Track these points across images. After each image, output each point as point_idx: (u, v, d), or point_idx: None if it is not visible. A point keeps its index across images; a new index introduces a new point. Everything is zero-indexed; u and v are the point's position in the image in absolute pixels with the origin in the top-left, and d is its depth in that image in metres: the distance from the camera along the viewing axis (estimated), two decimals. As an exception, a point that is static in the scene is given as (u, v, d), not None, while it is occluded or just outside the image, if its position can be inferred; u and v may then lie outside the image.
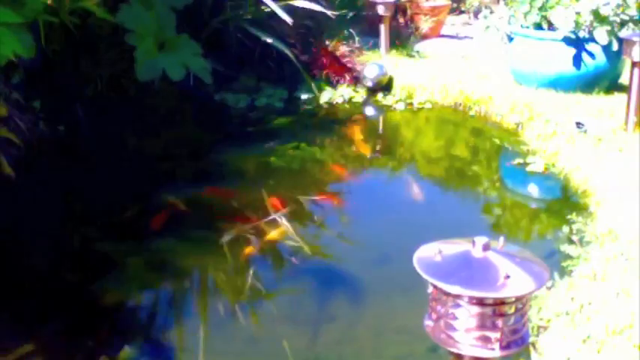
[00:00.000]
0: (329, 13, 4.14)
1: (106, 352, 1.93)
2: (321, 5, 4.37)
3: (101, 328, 2.06)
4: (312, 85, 4.41)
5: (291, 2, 4.20)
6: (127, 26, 3.77)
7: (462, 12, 6.76)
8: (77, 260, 2.43)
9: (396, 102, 4.36)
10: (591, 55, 3.96)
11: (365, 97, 4.44)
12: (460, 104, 4.20)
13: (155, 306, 2.24)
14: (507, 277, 1.07)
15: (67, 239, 2.60)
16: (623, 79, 3.99)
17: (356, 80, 4.53)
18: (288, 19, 4.06)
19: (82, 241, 2.57)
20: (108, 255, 2.41)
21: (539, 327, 1.84)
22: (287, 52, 4.25)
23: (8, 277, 2.25)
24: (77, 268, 2.37)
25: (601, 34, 3.85)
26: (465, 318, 1.08)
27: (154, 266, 2.38)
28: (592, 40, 3.91)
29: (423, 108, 4.27)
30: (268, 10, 4.17)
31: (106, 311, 2.13)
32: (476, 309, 1.07)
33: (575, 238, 2.45)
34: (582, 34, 3.91)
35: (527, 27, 4.12)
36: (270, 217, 2.69)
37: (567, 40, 3.96)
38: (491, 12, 4.61)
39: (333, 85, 4.52)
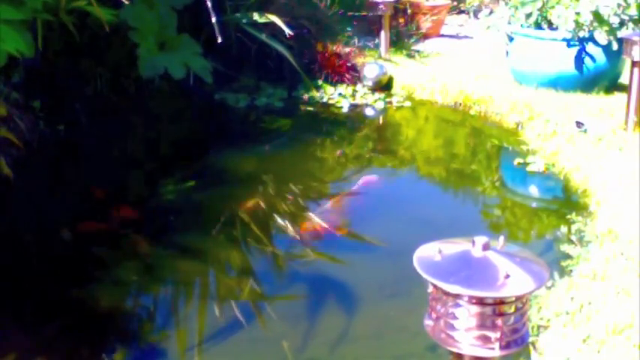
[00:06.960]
0: (287, 31, 4.14)
1: (103, 355, 1.93)
2: (318, 7, 4.39)
3: (97, 332, 2.05)
4: (311, 85, 4.41)
5: (269, 16, 4.22)
6: (130, 24, 3.78)
7: (461, 12, 6.76)
8: (73, 263, 2.42)
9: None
10: (591, 54, 3.96)
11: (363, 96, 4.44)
12: (460, 104, 4.20)
13: (152, 309, 2.24)
14: (507, 276, 1.06)
15: (64, 241, 2.58)
16: (623, 79, 3.98)
17: (356, 80, 4.53)
18: (288, 31, 4.10)
19: (78, 244, 2.55)
20: (102, 259, 2.40)
21: (539, 326, 1.84)
22: (285, 53, 4.26)
23: (3, 278, 2.24)
24: (73, 270, 2.36)
25: (601, 34, 3.85)
26: (465, 317, 1.08)
27: (150, 270, 2.37)
28: (592, 39, 3.91)
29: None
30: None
31: (103, 314, 2.12)
32: (476, 308, 1.07)
33: (574, 237, 2.45)
34: (582, 34, 3.91)
35: (528, 27, 4.12)
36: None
37: (567, 40, 3.96)
38: (491, 12, 4.61)
39: (333, 85, 4.52)
